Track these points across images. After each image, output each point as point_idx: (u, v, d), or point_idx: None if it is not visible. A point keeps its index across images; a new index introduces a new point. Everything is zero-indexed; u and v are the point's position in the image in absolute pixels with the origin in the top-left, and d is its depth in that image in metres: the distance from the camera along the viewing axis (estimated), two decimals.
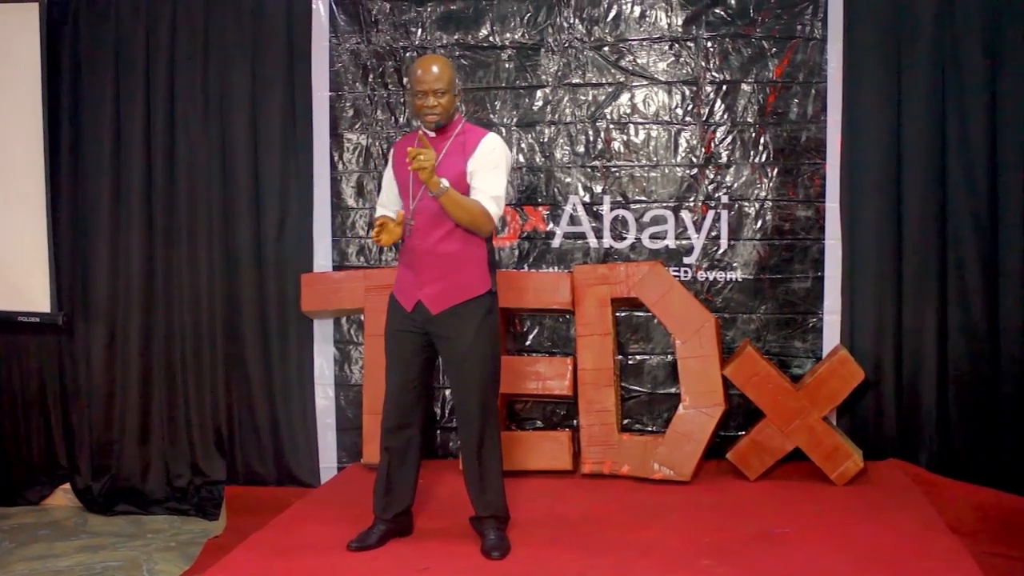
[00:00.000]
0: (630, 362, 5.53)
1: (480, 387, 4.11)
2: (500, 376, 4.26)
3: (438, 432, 5.64)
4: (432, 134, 4.12)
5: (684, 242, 5.48)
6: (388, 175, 4.33)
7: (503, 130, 5.51)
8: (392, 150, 4.38)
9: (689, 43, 5.45)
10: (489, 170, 4.07)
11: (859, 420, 5.35)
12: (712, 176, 5.46)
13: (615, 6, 5.50)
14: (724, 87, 5.44)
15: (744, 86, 5.42)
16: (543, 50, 5.56)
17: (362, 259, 5.70)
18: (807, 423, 5.01)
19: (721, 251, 5.45)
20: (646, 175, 5.51)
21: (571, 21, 5.53)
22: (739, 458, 5.13)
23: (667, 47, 5.48)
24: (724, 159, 5.45)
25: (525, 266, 5.57)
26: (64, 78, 5.94)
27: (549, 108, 5.57)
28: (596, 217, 5.55)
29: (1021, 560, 4.70)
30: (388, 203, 4.30)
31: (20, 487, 6.12)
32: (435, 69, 4.04)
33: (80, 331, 6.01)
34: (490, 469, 4.19)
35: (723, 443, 5.28)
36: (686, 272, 5.46)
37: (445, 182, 3.94)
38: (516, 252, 5.58)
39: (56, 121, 5.90)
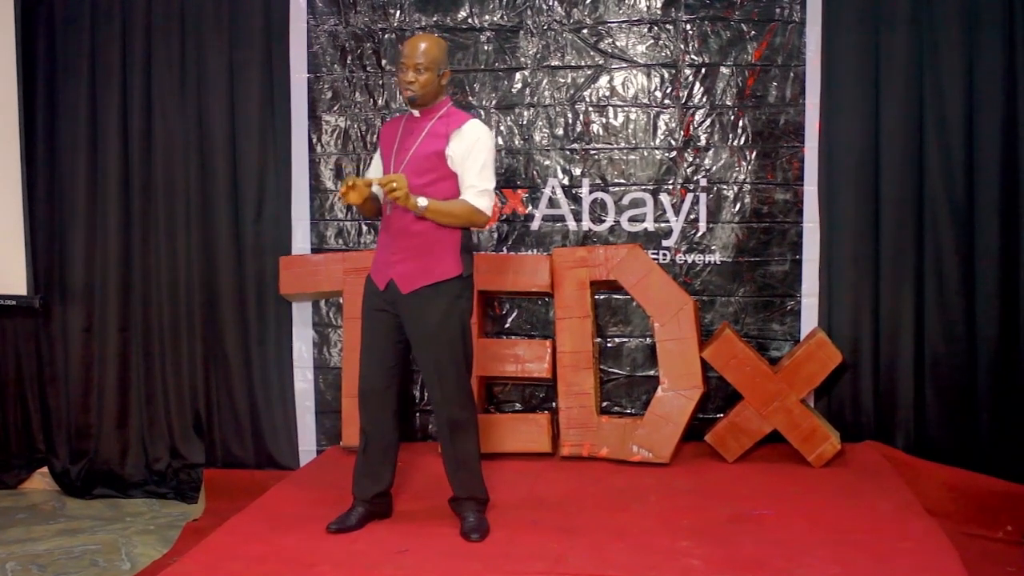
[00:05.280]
0: (609, 345, 5.54)
1: (447, 370, 4.10)
2: (472, 360, 4.24)
3: (417, 415, 5.64)
4: (416, 112, 4.15)
5: (663, 225, 5.49)
6: (377, 157, 4.34)
7: (482, 112, 5.50)
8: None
9: (668, 26, 5.45)
10: (477, 164, 4.06)
11: (836, 402, 5.39)
12: (691, 159, 5.46)
13: None
14: (703, 70, 5.45)
15: (723, 69, 5.43)
16: (522, 32, 5.54)
17: (341, 242, 5.69)
18: (785, 405, 5.04)
19: (700, 234, 5.46)
20: (625, 158, 5.51)
21: (550, 3, 5.51)
22: (717, 440, 5.16)
23: (646, 30, 5.47)
24: (703, 142, 5.46)
25: (504, 249, 5.56)
26: (39, 60, 5.89)
27: (528, 90, 5.56)
28: (575, 200, 5.55)
29: (996, 540, 4.75)
30: None
31: None
32: (420, 45, 4.04)
33: (57, 314, 5.97)
34: (464, 452, 4.19)
35: (701, 425, 5.30)
36: (665, 255, 5.47)
37: (423, 201, 3.92)
38: (495, 235, 5.57)
39: (32, 104, 5.85)
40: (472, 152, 4.06)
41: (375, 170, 4.34)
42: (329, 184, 5.68)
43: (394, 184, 3.86)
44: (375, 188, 4.07)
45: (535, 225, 5.58)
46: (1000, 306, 5.18)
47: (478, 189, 4.05)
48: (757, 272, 5.44)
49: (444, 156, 4.07)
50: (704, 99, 5.45)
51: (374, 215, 4.28)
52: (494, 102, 5.57)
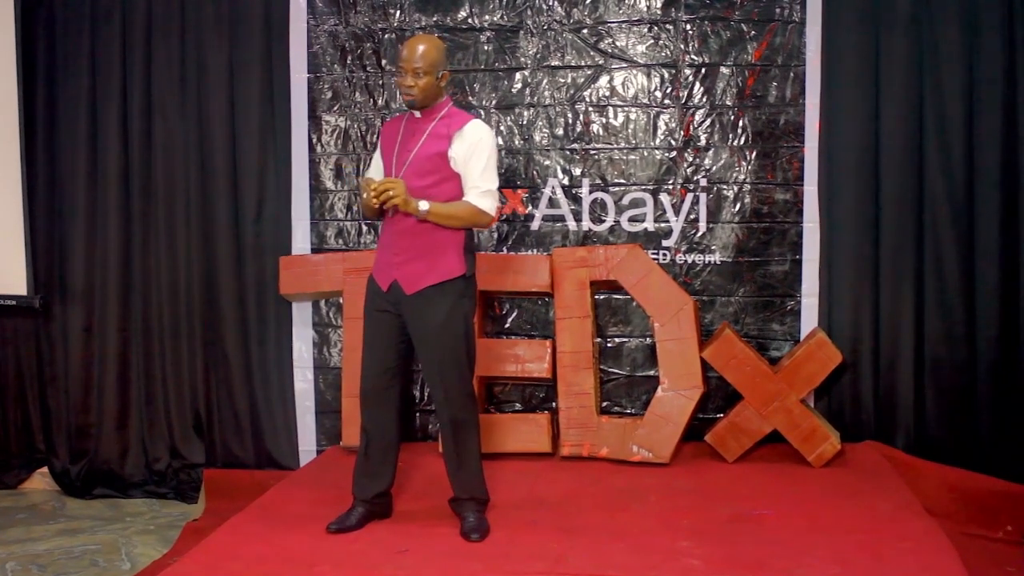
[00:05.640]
0: (609, 345, 5.54)
1: (451, 370, 4.11)
2: (474, 359, 4.24)
3: (417, 415, 5.65)
4: (417, 114, 4.15)
5: (663, 225, 5.49)
6: (377, 157, 4.34)
7: (482, 112, 5.50)
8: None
9: (668, 26, 5.45)
10: (480, 164, 4.07)
11: (836, 402, 5.39)
12: (691, 159, 5.46)
13: None
14: (703, 70, 5.45)
15: (723, 69, 5.43)
16: (522, 32, 5.54)
17: (340, 242, 5.69)
18: (785, 405, 5.04)
19: (700, 234, 5.46)
20: (625, 158, 5.51)
21: (550, 3, 5.51)
22: (717, 440, 5.16)
23: (646, 30, 5.47)
24: (703, 142, 5.46)
25: (504, 249, 5.56)
26: (39, 60, 5.89)
27: (528, 90, 5.56)
28: (575, 200, 5.55)
29: (996, 540, 4.75)
30: None
31: None
32: (419, 49, 4.02)
33: (57, 314, 5.97)
34: (466, 452, 4.20)
35: (701, 425, 5.30)
36: (665, 255, 5.47)
37: (424, 204, 3.95)
38: (495, 235, 5.57)
39: (32, 104, 5.86)
40: (475, 153, 4.06)
41: (375, 170, 4.34)
42: (329, 184, 5.68)
43: (391, 192, 3.87)
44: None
45: (535, 225, 5.57)
46: (1000, 306, 5.18)
47: (481, 190, 4.06)
48: (757, 272, 5.44)
49: (447, 157, 4.07)
50: (704, 99, 5.45)
51: (376, 216, 4.28)
52: (494, 102, 5.57)
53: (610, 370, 5.54)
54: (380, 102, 5.64)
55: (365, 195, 3.96)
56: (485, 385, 5.49)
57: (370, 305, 4.22)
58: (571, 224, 5.55)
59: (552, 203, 5.56)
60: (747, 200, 5.43)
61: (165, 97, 5.80)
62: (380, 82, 5.64)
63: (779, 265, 5.42)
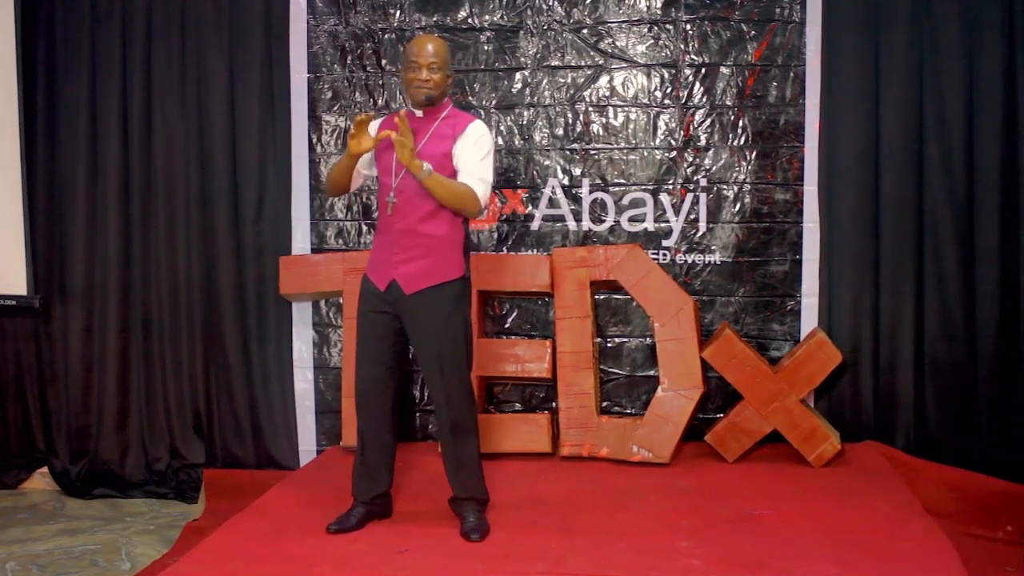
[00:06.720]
0: (609, 345, 5.54)
1: (451, 370, 4.11)
2: (472, 359, 4.25)
3: (417, 415, 5.64)
4: (419, 113, 4.15)
5: (663, 225, 5.49)
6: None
7: (482, 112, 5.50)
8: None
9: (668, 26, 5.45)
10: (479, 156, 4.09)
11: (836, 402, 5.39)
12: (691, 159, 5.46)
13: None
14: (703, 70, 5.44)
15: (723, 69, 5.43)
16: (522, 32, 5.54)
17: (340, 242, 5.69)
18: (785, 405, 5.04)
19: (700, 234, 5.46)
20: (625, 158, 5.51)
21: (550, 3, 5.51)
22: (717, 440, 5.16)
23: (646, 30, 5.47)
24: (703, 142, 5.46)
25: (504, 249, 5.56)
26: (39, 60, 5.88)
27: (528, 90, 5.56)
28: (575, 200, 5.55)
29: (996, 540, 4.75)
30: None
31: None
32: (431, 45, 4.07)
33: (57, 314, 5.97)
34: (465, 452, 4.20)
35: (701, 425, 5.30)
36: (665, 255, 5.47)
37: (428, 165, 3.95)
38: (495, 235, 5.57)
39: (32, 103, 5.85)
40: (475, 145, 4.08)
41: (365, 163, 4.27)
42: None
43: (403, 143, 3.87)
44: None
45: (535, 225, 5.57)
46: (1000, 306, 5.18)
47: (477, 176, 4.07)
48: (757, 272, 5.44)
49: (451, 156, 4.09)
50: (704, 99, 5.45)
51: (340, 192, 4.32)
52: (494, 102, 5.57)
53: (610, 370, 5.54)
54: (380, 102, 5.64)
55: (351, 133, 4.01)
56: (485, 385, 5.49)
57: (365, 306, 4.22)
58: (571, 224, 5.55)
59: (552, 203, 5.56)
60: (747, 200, 5.43)
61: (165, 97, 5.80)
62: (380, 82, 5.64)
63: (779, 265, 5.42)
